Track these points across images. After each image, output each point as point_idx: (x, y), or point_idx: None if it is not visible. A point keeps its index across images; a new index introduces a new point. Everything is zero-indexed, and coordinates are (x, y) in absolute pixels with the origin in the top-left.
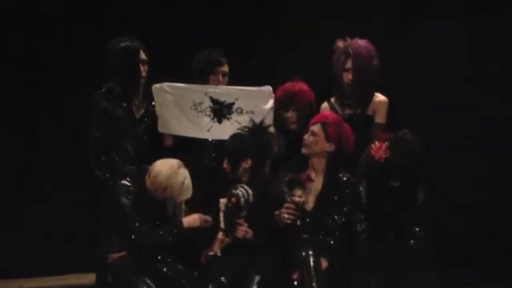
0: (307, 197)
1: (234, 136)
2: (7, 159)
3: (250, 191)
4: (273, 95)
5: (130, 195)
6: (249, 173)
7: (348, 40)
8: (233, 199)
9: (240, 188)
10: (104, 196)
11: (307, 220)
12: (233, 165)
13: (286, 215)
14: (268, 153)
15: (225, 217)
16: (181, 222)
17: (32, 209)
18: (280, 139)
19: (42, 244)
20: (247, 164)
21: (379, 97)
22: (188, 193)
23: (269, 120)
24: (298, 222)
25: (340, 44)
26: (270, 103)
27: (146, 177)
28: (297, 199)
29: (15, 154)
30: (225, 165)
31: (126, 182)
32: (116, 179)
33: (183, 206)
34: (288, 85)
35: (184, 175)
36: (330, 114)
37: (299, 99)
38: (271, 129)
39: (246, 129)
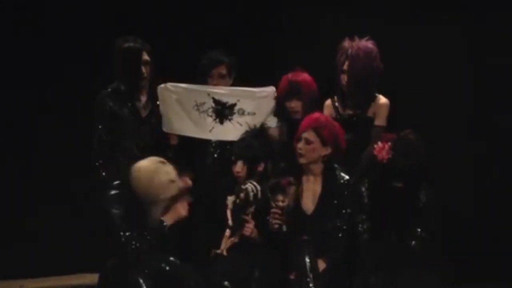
0: (289, 201)
1: (244, 142)
2: (8, 160)
3: (258, 187)
4: (276, 95)
5: (118, 204)
6: (259, 176)
7: (356, 40)
8: (242, 194)
9: (249, 184)
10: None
11: (307, 223)
12: (250, 170)
13: (273, 221)
14: (274, 155)
15: (233, 214)
16: (161, 221)
17: (33, 209)
18: (283, 129)
19: (43, 244)
20: (260, 167)
21: (381, 99)
22: (173, 189)
23: (270, 121)
24: (284, 228)
25: (345, 44)
26: (273, 103)
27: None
28: (280, 204)
29: (15, 155)
30: (238, 169)
31: (115, 191)
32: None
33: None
34: (291, 75)
35: (166, 172)
36: (319, 116)
37: (302, 89)
38: (272, 131)
39: (252, 133)
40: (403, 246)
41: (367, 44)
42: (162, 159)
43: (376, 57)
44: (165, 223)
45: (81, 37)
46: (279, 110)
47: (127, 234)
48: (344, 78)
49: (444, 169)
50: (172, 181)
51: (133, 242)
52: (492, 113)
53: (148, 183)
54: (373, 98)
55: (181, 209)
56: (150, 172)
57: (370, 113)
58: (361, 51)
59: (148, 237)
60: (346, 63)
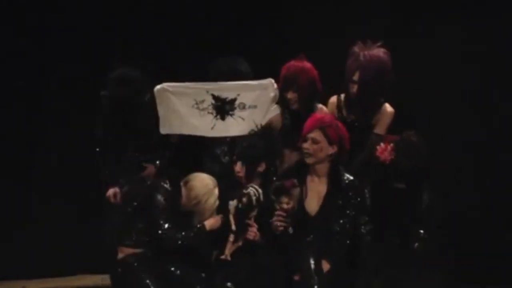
0: (294, 203)
1: (246, 141)
2: (9, 161)
3: (260, 190)
4: (275, 86)
5: (165, 196)
6: (260, 176)
7: (368, 44)
8: (245, 199)
9: (251, 188)
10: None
11: (311, 224)
12: (249, 170)
13: (278, 223)
14: (278, 155)
15: (235, 219)
16: (203, 225)
17: (35, 210)
18: (285, 116)
19: (45, 246)
20: (261, 168)
21: (388, 108)
22: (213, 214)
23: (271, 112)
24: (290, 230)
25: (357, 49)
26: (273, 95)
27: (182, 184)
28: (285, 206)
29: (16, 156)
30: (238, 169)
31: (165, 184)
32: (132, 180)
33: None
34: (290, 64)
35: (216, 197)
36: (323, 116)
37: (299, 80)
38: (274, 119)
39: (258, 133)
40: (405, 246)
41: (380, 53)
42: (215, 181)
43: (389, 68)
44: (205, 228)
45: (81, 37)
46: (280, 99)
47: (168, 226)
48: (353, 87)
49: (446, 170)
50: (216, 207)
51: (171, 236)
52: (493, 114)
53: (201, 198)
54: (379, 106)
55: (216, 222)
56: (206, 190)
57: (373, 121)
58: (374, 63)
59: (185, 235)
60: (357, 73)
